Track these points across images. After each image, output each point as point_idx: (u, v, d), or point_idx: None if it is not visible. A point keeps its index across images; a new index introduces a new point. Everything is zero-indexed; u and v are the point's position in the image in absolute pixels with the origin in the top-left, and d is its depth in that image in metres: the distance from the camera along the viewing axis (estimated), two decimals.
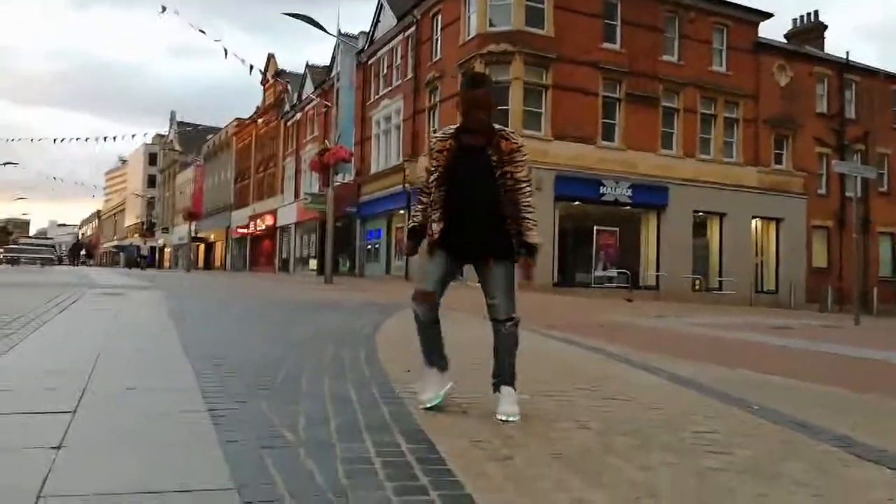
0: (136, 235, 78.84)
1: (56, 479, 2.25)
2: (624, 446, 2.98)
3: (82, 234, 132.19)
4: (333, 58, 34.21)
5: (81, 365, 4.35)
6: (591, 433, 3.21)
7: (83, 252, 71.47)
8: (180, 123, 77.45)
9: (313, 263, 37.61)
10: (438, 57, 27.73)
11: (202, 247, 64.93)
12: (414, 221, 3.69)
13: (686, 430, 3.36)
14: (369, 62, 34.43)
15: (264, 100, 52.36)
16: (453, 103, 24.64)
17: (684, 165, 26.19)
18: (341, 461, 2.55)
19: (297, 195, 41.75)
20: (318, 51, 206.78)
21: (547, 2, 24.28)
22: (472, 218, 3.43)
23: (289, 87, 43.95)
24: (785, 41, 32.89)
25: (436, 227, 3.49)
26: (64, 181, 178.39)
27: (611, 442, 3.05)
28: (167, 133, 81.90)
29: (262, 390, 3.85)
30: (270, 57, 50.56)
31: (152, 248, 69.64)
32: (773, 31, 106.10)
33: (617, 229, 25.33)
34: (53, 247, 60.23)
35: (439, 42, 27.89)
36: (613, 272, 24.53)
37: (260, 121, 51.83)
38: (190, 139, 71.21)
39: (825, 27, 34.31)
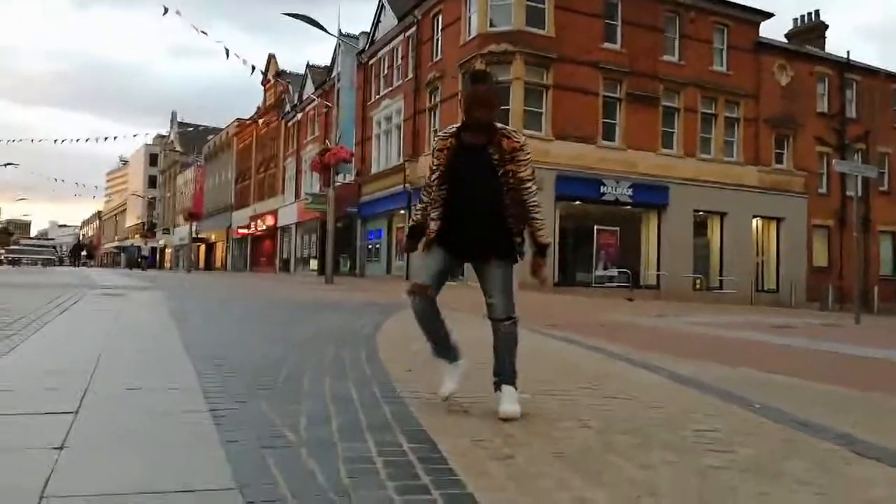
0: (137, 236, 78.93)
1: (59, 480, 2.26)
2: (625, 445, 2.98)
3: (83, 234, 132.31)
4: (334, 58, 34.25)
5: (83, 365, 4.35)
6: (592, 432, 3.21)
7: (84, 253, 71.47)
8: (181, 124, 77.48)
9: (314, 264, 37.62)
10: (439, 57, 27.74)
11: (203, 247, 64.96)
12: (414, 220, 3.69)
13: (687, 428, 3.36)
14: (370, 62, 34.43)
15: (265, 100, 52.38)
16: (454, 103, 24.71)
17: (685, 165, 26.19)
18: (343, 461, 2.55)
19: (297, 195, 41.77)
20: (319, 51, 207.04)
21: (547, 2, 24.30)
22: (473, 217, 3.43)
23: (290, 87, 43.97)
24: (786, 41, 32.90)
25: (433, 226, 3.49)
26: (65, 182, 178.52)
27: (612, 440, 3.05)
28: (168, 133, 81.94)
29: (264, 390, 3.85)
30: (271, 57, 50.58)
31: (153, 249, 69.78)
32: (773, 30, 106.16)
33: (617, 229, 25.36)
34: (54, 248, 60.36)
35: (440, 42, 27.90)
36: (614, 272, 24.54)
37: (260, 121, 51.85)
38: (190, 139, 71.23)
39: (826, 27, 34.34)
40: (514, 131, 3.55)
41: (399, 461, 2.59)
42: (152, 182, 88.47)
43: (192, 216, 49.43)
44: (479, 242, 3.44)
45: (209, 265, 63.04)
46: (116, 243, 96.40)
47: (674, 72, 26.27)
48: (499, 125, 3.49)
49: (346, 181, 31.13)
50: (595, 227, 24.78)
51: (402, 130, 30.69)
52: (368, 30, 35.21)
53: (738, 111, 27.99)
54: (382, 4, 33.39)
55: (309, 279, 28.83)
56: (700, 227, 27.14)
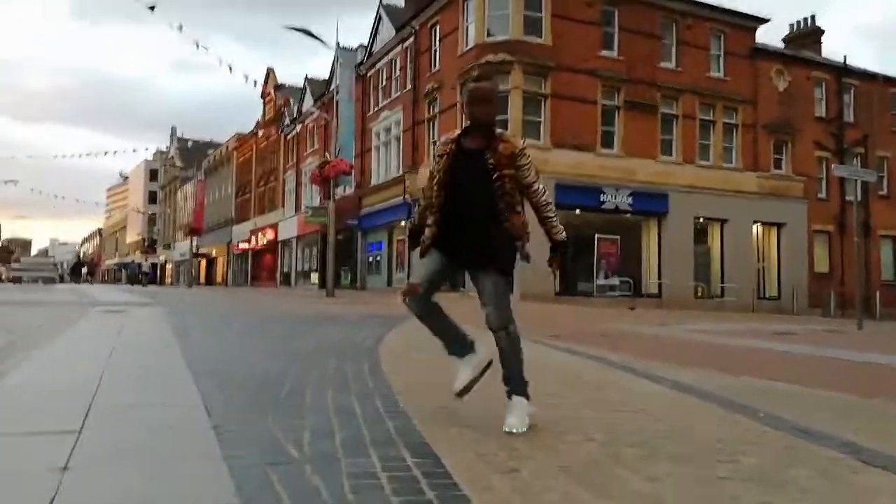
0: (137, 252, 79.06)
1: (63, 500, 2.25)
2: (631, 457, 2.97)
3: (84, 251, 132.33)
4: (333, 70, 34.34)
5: (86, 383, 4.35)
6: (596, 444, 3.20)
7: (84, 270, 71.46)
8: (181, 139, 77.68)
9: (315, 277, 37.60)
10: (437, 68, 27.83)
11: (204, 262, 64.93)
12: (412, 223, 3.72)
13: (691, 438, 3.36)
14: (368, 74, 34.55)
15: (264, 113, 52.48)
16: (453, 114, 24.79)
17: (684, 172, 26.21)
18: (347, 476, 2.54)
19: (297, 209, 41.82)
20: (318, 64, 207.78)
21: (545, 11, 24.40)
22: (470, 222, 3.41)
23: (290, 100, 44.07)
24: (782, 46, 32.99)
25: (428, 232, 3.50)
26: (65, 198, 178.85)
27: (617, 453, 3.04)
28: (168, 149, 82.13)
29: (266, 405, 3.85)
30: (270, 70, 50.76)
31: (154, 265, 69.83)
32: (770, 36, 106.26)
33: (618, 237, 25.33)
34: (55, 265, 60.44)
35: (438, 53, 28.00)
36: (615, 280, 24.51)
37: (260, 134, 51.94)
38: (190, 154, 71.39)
39: (822, 31, 34.50)
40: (513, 136, 3.57)
41: (403, 476, 2.59)
42: (152, 198, 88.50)
43: (192, 231, 49.49)
44: (478, 247, 3.41)
45: (210, 280, 63.01)
46: (117, 260, 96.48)
47: (671, 79, 26.35)
48: (498, 130, 3.50)
49: (346, 193, 31.21)
50: (596, 235, 24.70)
51: (401, 142, 30.75)
52: (366, 42, 35.34)
53: (737, 117, 28.04)
54: (380, 16, 33.54)
55: (310, 293, 28.81)
56: (700, 235, 27.10)
